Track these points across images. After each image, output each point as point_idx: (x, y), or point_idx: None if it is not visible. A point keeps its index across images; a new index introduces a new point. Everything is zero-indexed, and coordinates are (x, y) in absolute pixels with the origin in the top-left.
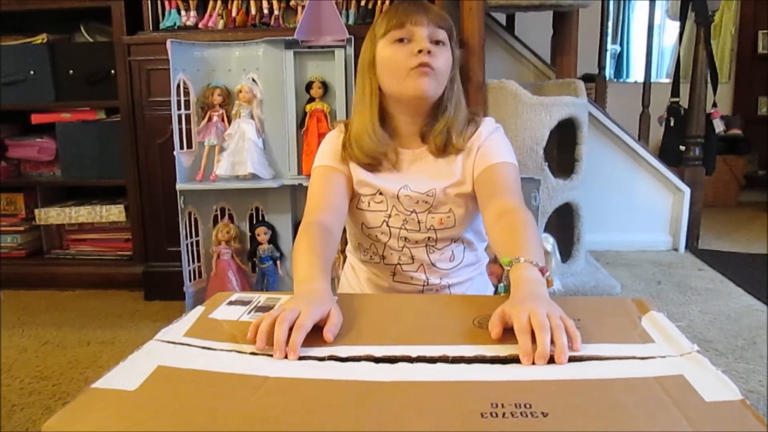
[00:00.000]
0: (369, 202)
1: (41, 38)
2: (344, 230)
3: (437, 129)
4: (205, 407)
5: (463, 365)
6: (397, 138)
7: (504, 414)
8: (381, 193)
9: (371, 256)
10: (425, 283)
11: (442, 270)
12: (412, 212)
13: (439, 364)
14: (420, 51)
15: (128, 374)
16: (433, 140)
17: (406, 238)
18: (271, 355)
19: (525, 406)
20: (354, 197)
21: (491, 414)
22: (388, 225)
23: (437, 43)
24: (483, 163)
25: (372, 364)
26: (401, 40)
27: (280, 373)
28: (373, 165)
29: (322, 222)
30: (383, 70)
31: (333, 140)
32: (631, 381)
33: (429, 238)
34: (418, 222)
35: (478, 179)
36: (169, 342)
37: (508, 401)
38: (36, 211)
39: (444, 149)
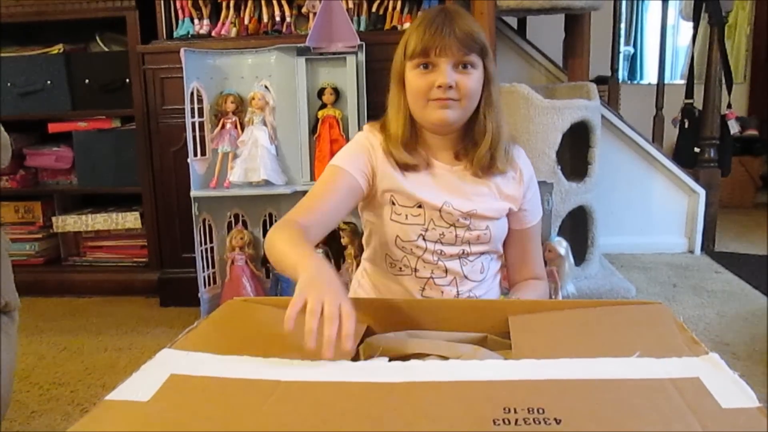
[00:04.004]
0: (407, 215)
1: (58, 48)
2: (359, 236)
3: (480, 152)
4: (217, 416)
5: (476, 362)
6: (431, 151)
7: (516, 420)
8: (420, 206)
9: (401, 269)
10: (456, 296)
11: (473, 281)
12: (450, 226)
13: (451, 362)
14: (440, 86)
15: (141, 384)
16: (477, 162)
17: (441, 252)
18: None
19: (538, 411)
20: (384, 206)
21: (503, 420)
22: (424, 239)
23: (465, 66)
24: (522, 222)
25: (384, 362)
26: (425, 66)
27: (292, 376)
28: (410, 170)
29: (303, 224)
30: (408, 91)
31: (360, 141)
32: (646, 383)
33: (463, 251)
34: (456, 236)
35: (514, 235)
36: (181, 350)
37: (521, 405)
38: (53, 219)
39: (487, 171)
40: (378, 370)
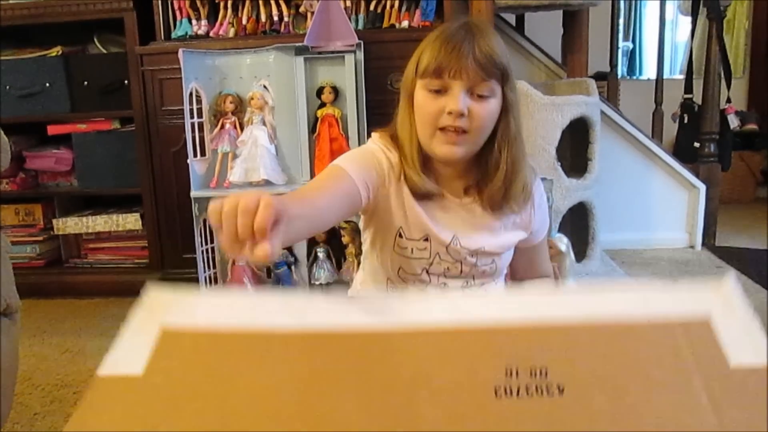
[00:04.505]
0: (412, 249)
1: (56, 50)
2: (360, 234)
3: (492, 188)
4: (216, 390)
5: (477, 298)
6: (441, 179)
7: (518, 389)
8: (427, 239)
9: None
10: None
11: None
12: (456, 262)
13: (455, 298)
14: (451, 112)
15: (132, 348)
16: (488, 198)
17: (444, 284)
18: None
19: (540, 373)
20: (389, 235)
21: (505, 390)
22: (428, 272)
23: (480, 97)
24: (529, 240)
25: (390, 300)
26: (437, 91)
27: (287, 324)
28: (424, 199)
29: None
30: (416, 114)
31: (374, 155)
32: (654, 330)
33: (467, 282)
34: (461, 270)
35: (521, 249)
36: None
37: (524, 364)
38: (54, 221)
39: (499, 209)
40: (386, 310)
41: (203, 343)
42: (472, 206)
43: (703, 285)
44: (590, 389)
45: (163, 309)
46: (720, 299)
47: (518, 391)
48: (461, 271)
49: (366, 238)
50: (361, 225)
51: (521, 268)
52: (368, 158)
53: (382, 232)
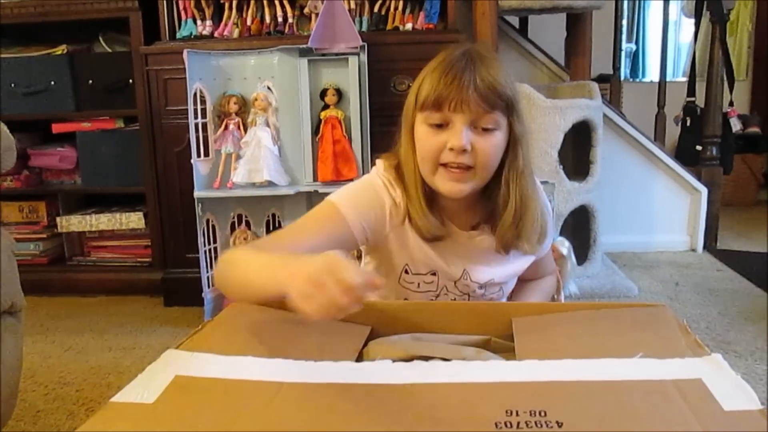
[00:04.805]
0: (419, 284)
1: (61, 49)
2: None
3: (503, 225)
4: (222, 418)
5: (478, 363)
6: (447, 214)
7: (518, 423)
8: (435, 273)
9: None
10: None
11: None
12: (464, 295)
13: (454, 362)
14: (452, 149)
15: (147, 386)
16: (500, 238)
17: None
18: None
19: (540, 413)
20: (394, 269)
21: (505, 424)
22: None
23: (484, 130)
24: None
25: (388, 363)
26: (438, 125)
27: (295, 378)
28: (433, 241)
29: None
30: (417, 149)
31: (376, 194)
32: (648, 384)
33: None
34: (468, 299)
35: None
36: (186, 350)
37: (523, 408)
38: (58, 219)
39: (510, 249)
40: (381, 372)
41: (213, 386)
42: (482, 239)
43: (694, 356)
44: (588, 425)
45: (179, 363)
46: (711, 366)
47: (518, 425)
48: (468, 301)
49: (368, 262)
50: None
51: (526, 273)
52: (369, 198)
53: (385, 266)
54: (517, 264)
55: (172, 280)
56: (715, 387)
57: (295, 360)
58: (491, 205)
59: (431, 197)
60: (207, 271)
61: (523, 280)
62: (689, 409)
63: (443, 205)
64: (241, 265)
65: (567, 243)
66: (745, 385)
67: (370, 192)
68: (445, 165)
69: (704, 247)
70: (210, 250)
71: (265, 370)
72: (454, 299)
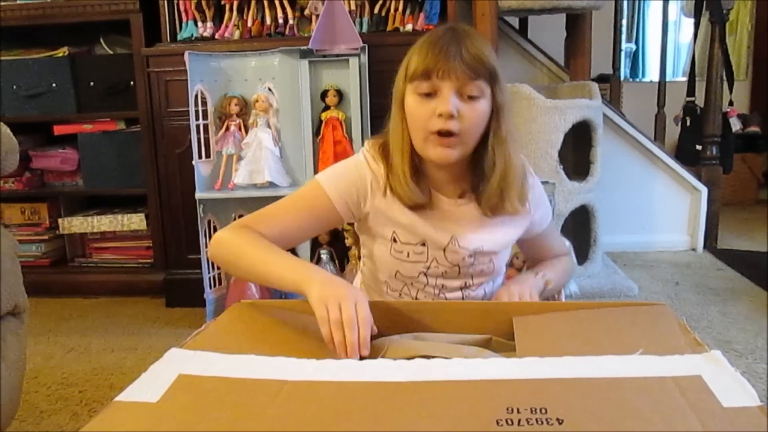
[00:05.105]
0: (408, 253)
1: (63, 51)
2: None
3: (489, 189)
4: (225, 417)
5: (479, 360)
6: (435, 184)
7: (519, 421)
8: (424, 244)
9: (401, 295)
10: None
11: None
12: (454, 265)
13: (455, 360)
14: (441, 114)
15: (150, 385)
16: (485, 201)
17: (443, 285)
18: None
19: (541, 411)
20: (384, 240)
21: (507, 421)
22: (426, 275)
23: (470, 98)
24: (533, 231)
25: (389, 362)
26: (427, 94)
27: (298, 376)
28: (417, 209)
29: (262, 234)
30: (408, 119)
31: (358, 170)
32: (648, 381)
33: (465, 283)
34: (459, 272)
35: (527, 242)
36: (189, 349)
37: (524, 405)
38: (59, 221)
39: (495, 211)
40: (383, 370)
41: (216, 384)
42: (468, 207)
43: (693, 353)
44: (588, 422)
45: (182, 362)
46: (710, 363)
47: (519, 422)
48: (459, 272)
49: (363, 242)
50: (355, 227)
51: (536, 255)
52: (351, 173)
53: (375, 238)
54: (504, 232)
55: (173, 281)
56: (715, 384)
57: (298, 358)
58: (478, 174)
59: (418, 168)
60: (208, 272)
61: (538, 261)
62: (689, 406)
63: (431, 175)
64: (250, 254)
65: (567, 243)
66: (745, 382)
67: (352, 168)
68: (435, 133)
69: (704, 247)
70: None
71: (267, 369)
72: (444, 272)
